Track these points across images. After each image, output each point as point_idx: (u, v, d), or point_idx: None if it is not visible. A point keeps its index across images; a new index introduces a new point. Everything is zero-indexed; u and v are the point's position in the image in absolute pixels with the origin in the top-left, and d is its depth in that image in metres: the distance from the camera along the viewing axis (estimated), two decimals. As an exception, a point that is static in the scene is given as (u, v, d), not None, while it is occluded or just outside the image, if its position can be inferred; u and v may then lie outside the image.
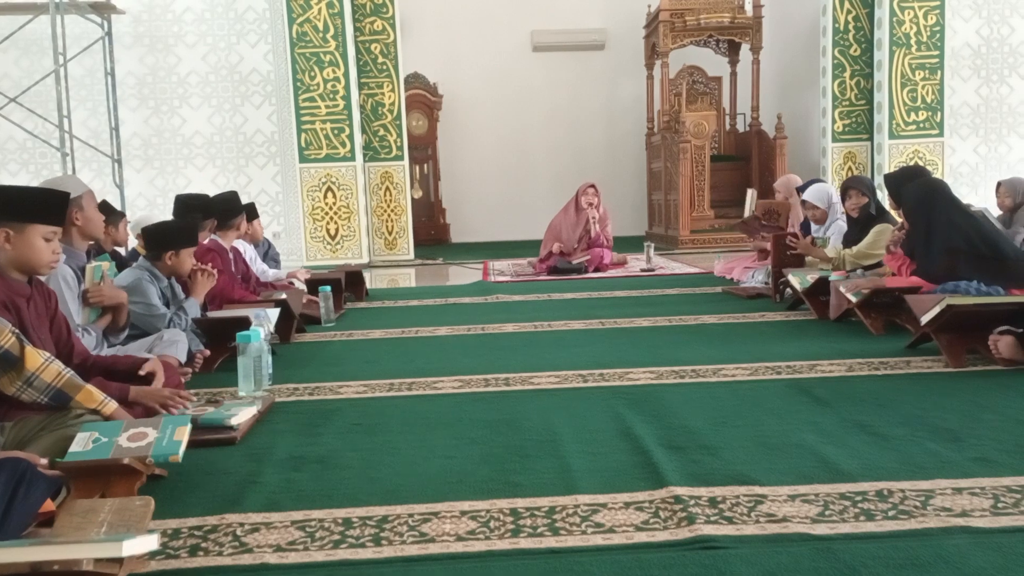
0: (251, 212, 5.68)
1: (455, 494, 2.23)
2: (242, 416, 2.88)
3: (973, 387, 3.18)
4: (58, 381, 2.34)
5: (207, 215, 4.78)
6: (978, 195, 9.23)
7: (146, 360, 2.85)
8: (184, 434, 2.28)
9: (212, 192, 5.73)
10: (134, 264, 3.99)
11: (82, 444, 2.21)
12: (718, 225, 9.73)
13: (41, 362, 2.32)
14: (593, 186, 7.84)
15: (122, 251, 5.15)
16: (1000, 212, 6.31)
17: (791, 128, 9.87)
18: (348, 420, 3.03)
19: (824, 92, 9.58)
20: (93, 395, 2.40)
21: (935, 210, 4.04)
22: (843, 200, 5.08)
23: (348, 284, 6.28)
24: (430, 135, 11.51)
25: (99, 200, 3.62)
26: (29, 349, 2.31)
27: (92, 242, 3.67)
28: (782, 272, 5.19)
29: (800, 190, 5.80)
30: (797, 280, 4.88)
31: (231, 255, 4.91)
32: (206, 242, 4.66)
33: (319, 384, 3.59)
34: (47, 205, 2.55)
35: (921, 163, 8.69)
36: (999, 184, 6.27)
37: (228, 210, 4.99)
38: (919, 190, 4.20)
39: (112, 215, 5.31)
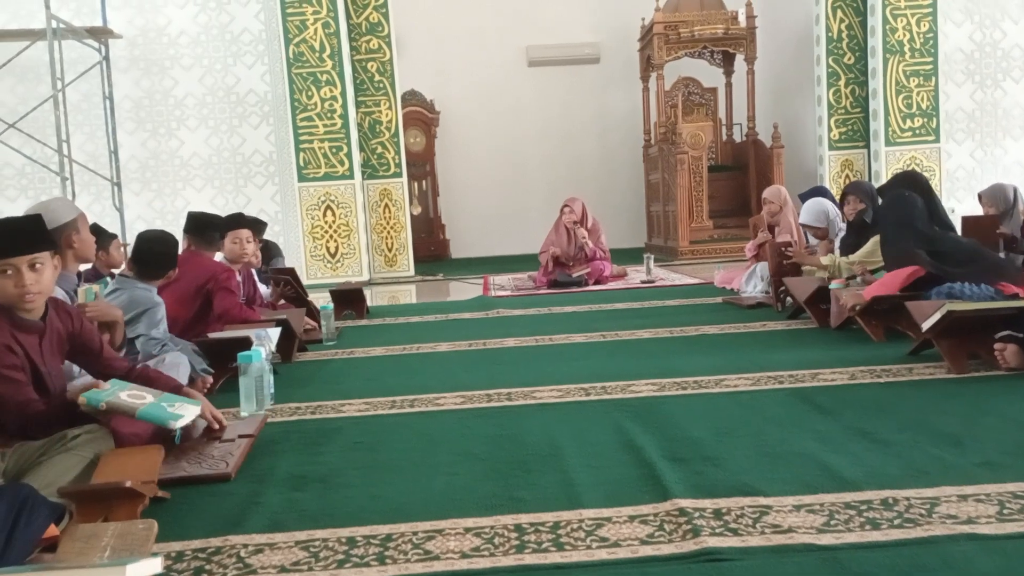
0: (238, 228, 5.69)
1: (459, 511, 2.22)
2: (187, 416, 2.56)
3: (975, 392, 3.17)
4: None
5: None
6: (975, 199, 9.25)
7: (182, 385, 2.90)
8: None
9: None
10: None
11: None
12: (717, 235, 9.74)
13: None
14: (568, 204, 7.60)
15: (115, 272, 5.14)
16: None
17: (787, 137, 9.89)
18: (350, 438, 3.02)
19: (819, 101, 9.61)
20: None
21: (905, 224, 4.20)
22: (842, 206, 5.09)
23: (349, 302, 6.29)
24: (428, 152, 11.55)
25: (90, 223, 3.56)
26: None
27: (87, 264, 3.62)
28: (782, 281, 5.20)
29: (803, 197, 5.80)
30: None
31: (240, 275, 4.90)
32: (219, 260, 4.67)
33: (321, 403, 3.58)
34: None
35: (918, 169, 8.69)
36: (979, 196, 6.23)
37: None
38: (889, 203, 4.35)
39: (102, 237, 5.30)
